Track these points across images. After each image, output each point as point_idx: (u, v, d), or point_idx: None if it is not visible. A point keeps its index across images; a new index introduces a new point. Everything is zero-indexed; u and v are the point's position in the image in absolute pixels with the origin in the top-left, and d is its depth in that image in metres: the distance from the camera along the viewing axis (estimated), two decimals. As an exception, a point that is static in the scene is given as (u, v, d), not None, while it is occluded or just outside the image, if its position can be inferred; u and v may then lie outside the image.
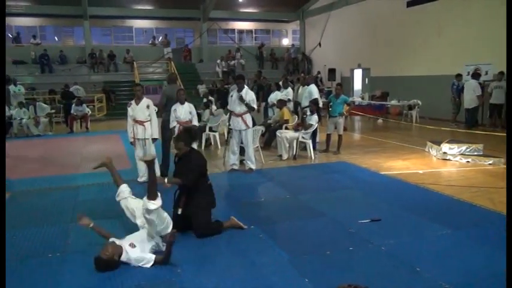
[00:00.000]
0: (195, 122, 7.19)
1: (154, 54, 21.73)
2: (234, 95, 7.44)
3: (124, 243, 3.93)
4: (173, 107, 7.08)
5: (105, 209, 5.52)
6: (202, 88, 18.84)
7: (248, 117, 7.37)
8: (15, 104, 14.18)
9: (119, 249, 3.82)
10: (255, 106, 7.50)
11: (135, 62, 20.31)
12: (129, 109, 6.86)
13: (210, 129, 10.29)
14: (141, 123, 6.73)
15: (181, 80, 15.41)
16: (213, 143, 10.36)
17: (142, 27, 23.49)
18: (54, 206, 5.73)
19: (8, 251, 4.27)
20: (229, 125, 7.78)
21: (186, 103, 7.10)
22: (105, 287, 3.52)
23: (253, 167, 7.52)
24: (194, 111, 7.19)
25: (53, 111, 14.97)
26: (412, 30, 15.67)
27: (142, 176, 6.77)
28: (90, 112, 14.77)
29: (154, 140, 6.87)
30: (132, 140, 6.84)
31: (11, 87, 15.47)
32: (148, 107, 6.78)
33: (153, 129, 6.81)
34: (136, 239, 4.05)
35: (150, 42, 22.86)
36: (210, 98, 12.84)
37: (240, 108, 7.32)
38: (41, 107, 13.81)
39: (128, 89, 19.56)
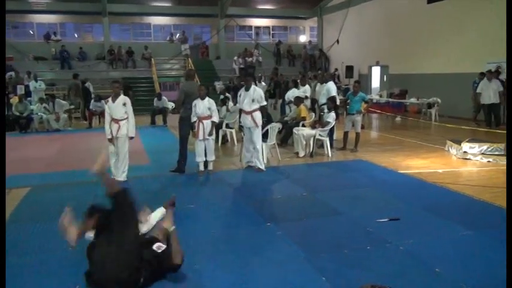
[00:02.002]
0: (215, 118, 7.15)
1: (172, 51, 21.87)
2: (242, 93, 7.34)
3: None
4: (193, 103, 7.11)
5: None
6: (219, 85, 18.89)
7: (258, 116, 7.24)
8: (36, 99, 14.43)
9: None
10: (264, 103, 7.39)
11: (153, 59, 20.46)
12: (105, 106, 6.76)
13: (227, 126, 10.30)
14: (117, 121, 6.58)
15: (198, 77, 15.45)
16: (229, 140, 10.38)
17: (160, 23, 23.63)
18: (73, 201, 5.79)
19: (29, 244, 4.36)
20: (240, 122, 7.72)
21: (206, 99, 7.09)
22: (124, 281, 3.56)
23: (262, 167, 7.35)
24: (214, 107, 7.14)
25: (72, 106, 15.18)
26: (432, 27, 15.42)
27: (117, 175, 6.66)
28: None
29: (131, 138, 6.75)
30: (109, 136, 6.65)
31: (32, 83, 15.76)
32: (124, 104, 6.63)
33: (129, 127, 6.66)
34: None
35: (167, 38, 22.98)
36: (227, 94, 12.86)
37: (249, 106, 7.21)
38: (59, 104, 14.01)
39: (146, 85, 19.75)
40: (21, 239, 4.50)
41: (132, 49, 21.09)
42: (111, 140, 6.67)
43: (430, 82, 15.32)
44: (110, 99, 6.73)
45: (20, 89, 15.89)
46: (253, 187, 6.57)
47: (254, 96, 7.18)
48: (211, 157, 7.27)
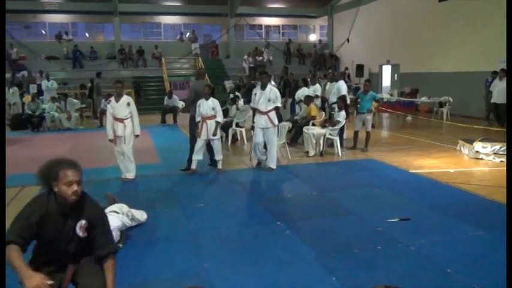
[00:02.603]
0: (219, 119, 7.11)
1: (182, 50, 21.93)
2: (257, 92, 7.17)
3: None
4: (198, 102, 7.12)
5: (136, 201, 5.63)
6: (229, 84, 18.91)
7: (274, 115, 7.13)
8: (48, 98, 14.58)
9: None
10: (279, 104, 7.26)
11: (163, 58, 20.54)
12: (108, 106, 6.72)
13: (237, 125, 10.31)
14: (121, 120, 6.61)
15: (208, 76, 15.49)
16: (239, 139, 10.38)
17: (171, 23, 23.70)
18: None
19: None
20: (253, 122, 7.56)
21: (211, 99, 7.04)
22: (135, 277, 3.58)
23: (273, 166, 7.27)
24: (218, 107, 7.07)
25: (84, 105, 15.31)
26: (444, 25, 15.26)
27: (126, 173, 6.79)
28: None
29: (136, 136, 6.79)
30: (111, 137, 6.69)
31: (44, 82, 15.92)
32: (128, 104, 6.66)
33: (134, 126, 6.72)
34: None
35: (177, 38, 23.04)
36: (237, 93, 12.86)
37: (264, 106, 7.09)
38: (70, 102, 14.14)
39: (156, 84, 19.84)
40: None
41: (143, 48, 21.20)
42: (112, 141, 6.71)
43: (441, 81, 15.17)
44: (112, 99, 6.74)
45: (33, 88, 16.07)
46: (262, 186, 6.56)
47: (270, 95, 7.03)
48: (219, 156, 7.24)
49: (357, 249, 4.04)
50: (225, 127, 10.51)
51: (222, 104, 11.56)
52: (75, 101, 14.70)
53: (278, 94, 7.21)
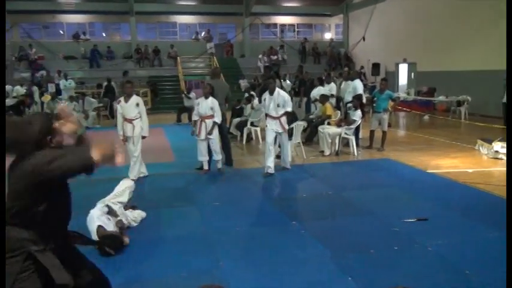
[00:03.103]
0: (217, 119, 6.96)
1: (197, 49, 22.01)
2: (266, 97, 6.94)
3: None
4: (197, 101, 7.11)
5: (151, 200, 5.69)
6: (244, 83, 18.93)
7: (285, 120, 6.95)
8: (66, 97, 14.79)
9: None
10: (290, 108, 6.93)
11: (178, 57, 20.66)
12: (118, 106, 6.71)
13: (252, 124, 10.31)
14: (130, 121, 6.59)
15: (223, 75, 15.52)
16: (254, 138, 10.38)
17: (186, 22, 23.82)
18: (101, 196, 5.91)
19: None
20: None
21: (210, 98, 6.94)
22: (150, 275, 3.61)
23: (288, 166, 7.27)
24: (217, 107, 6.94)
25: (101, 104, 15.49)
26: (462, 22, 15.00)
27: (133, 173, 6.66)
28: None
29: (143, 137, 6.74)
30: (122, 137, 6.67)
31: (62, 82, 16.16)
32: (138, 104, 6.61)
33: (143, 126, 6.68)
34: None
35: (193, 37, 23.15)
36: (252, 92, 12.86)
37: (275, 112, 6.86)
38: (88, 101, 14.32)
39: (172, 84, 19.96)
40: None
41: (158, 48, 21.35)
42: (123, 140, 6.69)
43: (459, 79, 14.92)
44: (121, 99, 6.70)
45: (51, 88, 16.33)
46: (278, 185, 6.55)
47: (278, 101, 6.81)
48: (218, 156, 7.17)
49: (373, 249, 4.01)
50: (240, 126, 10.54)
51: (237, 103, 11.66)
52: (93, 100, 14.87)
53: (287, 98, 6.94)
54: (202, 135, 6.98)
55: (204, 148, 7.07)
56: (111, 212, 4.46)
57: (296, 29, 25.51)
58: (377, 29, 20.52)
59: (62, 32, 22.39)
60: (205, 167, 7.19)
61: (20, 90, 14.80)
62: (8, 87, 15.39)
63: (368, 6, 20.94)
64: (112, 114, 15.28)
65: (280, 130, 6.92)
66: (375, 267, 3.67)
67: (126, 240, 4.19)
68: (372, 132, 9.02)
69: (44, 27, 22.22)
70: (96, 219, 4.21)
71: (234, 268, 3.69)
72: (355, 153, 8.49)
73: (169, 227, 4.76)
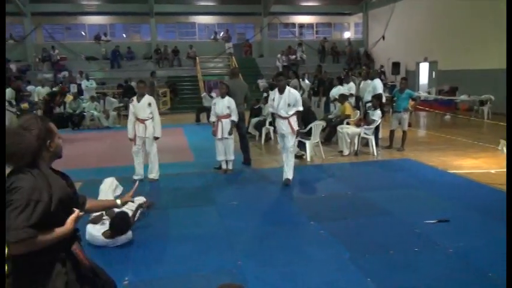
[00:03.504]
0: (234, 117, 6.97)
1: (215, 49, 22.13)
2: (275, 97, 6.38)
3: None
4: (213, 101, 7.14)
5: (170, 199, 5.74)
6: (262, 82, 18.93)
7: (295, 121, 6.34)
8: (88, 97, 15.05)
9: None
10: (301, 107, 6.35)
11: (197, 57, 20.80)
12: (130, 106, 6.68)
13: (270, 124, 10.29)
14: (142, 121, 6.54)
15: (241, 75, 15.57)
16: (272, 138, 10.38)
17: (205, 23, 23.95)
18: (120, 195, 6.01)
19: (82, 237, 4.54)
20: (275, 128, 7.06)
21: (226, 98, 6.97)
22: (170, 273, 3.65)
23: (290, 177, 6.40)
24: (233, 106, 6.94)
25: (121, 104, 15.71)
26: (484, 19, 14.70)
27: (138, 175, 6.69)
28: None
29: (156, 138, 6.67)
30: (131, 136, 6.63)
31: (84, 82, 16.45)
32: (150, 104, 6.54)
33: (155, 127, 6.61)
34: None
35: (212, 37, 23.27)
36: (270, 92, 12.84)
37: (285, 112, 6.30)
38: (109, 101, 14.54)
39: (191, 84, 20.11)
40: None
41: (178, 48, 21.54)
42: (132, 140, 6.66)
43: (482, 78, 14.63)
44: (134, 98, 6.65)
45: (73, 88, 16.63)
46: (296, 185, 6.53)
47: (290, 100, 6.25)
48: (231, 156, 7.17)
49: (393, 250, 3.97)
50: (258, 126, 10.54)
51: (256, 102, 11.67)
52: (114, 100, 15.09)
53: (298, 97, 6.39)
54: (219, 135, 7.01)
55: (222, 148, 7.09)
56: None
57: (315, 28, 25.38)
58: (397, 27, 20.27)
59: (83, 34, 22.78)
60: (224, 166, 7.22)
61: (42, 91, 15.10)
62: (30, 88, 15.74)
63: (388, 4, 20.71)
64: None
65: (287, 131, 6.32)
66: (395, 268, 3.63)
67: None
68: (391, 132, 8.92)
69: (67, 28, 22.65)
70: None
71: (253, 267, 3.70)
72: (375, 153, 8.41)
73: (188, 226, 4.81)
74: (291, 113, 6.29)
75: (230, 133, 7.00)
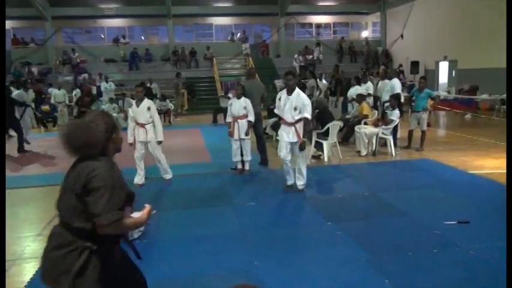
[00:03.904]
0: (251, 118, 6.96)
1: (232, 50, 22.21)
2: (282, 97, 5.79)
3: None
4: (230, 101, 7.14)
5: (187, 199, 5.78)
6: (279, 83, 18.91)
7: (301, 128, 5.72)
8: (107, 99, 15.26)
9: None
10: (308, 115, 5.69)
11: (214, 58, 20.90)
12: (129, 110, 6.57)
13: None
14: (142, 125, 6.44)
15: (258, 75, 15.59)
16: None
17: (222, 24, 24.08)
18: (142, 196, 6.07)
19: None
20: (277, 135, 6.68)
21: (242, 98, 6.96)
22: (186, 272, 3.67)
23: (302, 185, 5.96)
24: (250, 107, 6.92)
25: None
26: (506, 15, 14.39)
27: (142, 178, 6.62)
28: (172, 107, 15.47)
29: (159, 142, 6.57)
30: (131, 141, 6.52)
31: (103, 84, 16.69)
32: (149, 108, 6.45)
33: (156, 131, 6.50)
34: None
35: (228, 38, 23.38)
36: (279, 92, 12.80)
37: (291, 115, 5.68)
38: (128, 102, 14.71)
39: (208, 85, 20.22)
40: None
41: (195, 49, 21.69)
42: (131, 144, 6.54)
43: (504, 77, 14.25)
44: (133, 102, 6.60)
45: (93, 90, 16.88)
46: (313, 185, 6.50)
47: (297, 103, 5.63)
48: (248, 157, 7.17)
49: (411, 251, 3.92)
50: (275, 126, 10.53)
51: (272, 103, 11.65)
52: (132, 101, 15.24)
53: (307, 102, 5.68)
54: (236, 136, 7.02)
55: (237, 149, 7.10)
56: None
57: (332, 28, 25.25)
58: (416, 26, 20.01)
59: (102, 36, 23.16)
60: (239, 166, 7.24)
61: (58, 93, 15.35)
62: (49, 90, 16.04)
63: (406, 3, 20.46)
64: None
65: (294, 139, 5.74)
66: (413, 270, 3.58)
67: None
68: (410, 132, 8.81)
69: (86, 32, 23.05)
70: None
71: (269, 268, 3.70)
72: (393, 154, 8.32)
73: (205, 226, 4.83)
74: (297, 118, 5.67)
75: (247, 134, 7.00)
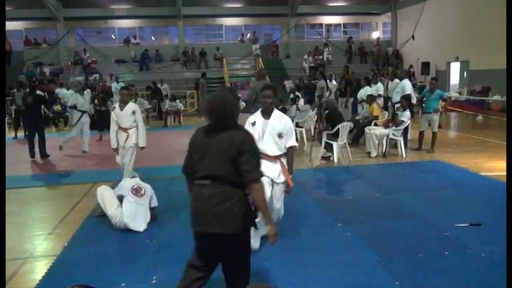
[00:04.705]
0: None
1: (242, 51, 22.26)
2: (257, 122, 4.12)
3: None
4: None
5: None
6: (289, 84, 18.90)
7: (290, 160, 4.20)
8: (117, 99, 15.35)
9: None
10: (295, 142, 4.17)
11: (224, 59, 20.96)
12: (112, 113, 6.15)
13: (297, 125, 10.27)
14: (125, 130, 6.11)
15: (268, 76, 15.58)
16: (299, 139, 10.34)
17: (232, 24, 24.14)
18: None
19: (114, 235, 4.66)
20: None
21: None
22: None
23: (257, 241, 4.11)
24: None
25: (150, 106, 15.98)
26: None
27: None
28: (182, 108, 15.53)
29: (142, 148, 6.29)
30: (114, 146, 6.18)
31: (114, 84, 16.82)
32: (134, 113, 6.13)
33: (139, 136, 6.16)
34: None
35: (238, 39, 23.42)
36: (297, 93, 12.83)
37: (276, 146, 4.06)
38: (140, 102, 14.79)
39: (218, 85, 20.24)
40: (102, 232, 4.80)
41: (205, 50, 21.77)
42: (116, 150, 6.26)
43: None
44: (117, 105, 6.19)
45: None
46: (323, 187, 6.50)
47: (280, 128, 4.05)
48: None
49: (422, 253, 3.89)
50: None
51: (280, 103, 11.65)
52: (145, 101, 15.36)
53: (291, 125, 4.18)
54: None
55: None
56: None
57: (342, 29, 25.17)
58: (427, 26, 19.87)
59: (113, 37, 23.35)
60: None
61: (67, 93, 15.46)
62: (57, 90, 16.20)
63: (418, 3, 20.34)
64: (160, 116, 15.76)
65: (277, 178, 4.11)
66: (424, 272, 3.56)
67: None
68: (421, 133, 8.75)
69: (97, 32, 23.26)
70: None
71: (279, 269, 3.70)
72: (404, 155, 8.27)
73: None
74: (283, 147, 4.10)
75: None
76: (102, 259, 4.05)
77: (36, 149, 9.00)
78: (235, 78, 20.22)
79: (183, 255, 4.02)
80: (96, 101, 13.93)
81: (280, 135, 4.03)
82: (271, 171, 4.06)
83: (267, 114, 4.10)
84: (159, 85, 17.10)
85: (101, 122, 11.92)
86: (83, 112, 9.98)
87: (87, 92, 16.17)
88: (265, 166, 3.73)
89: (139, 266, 3.87)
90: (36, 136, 9.00)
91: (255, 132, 3.95)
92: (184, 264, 3.84)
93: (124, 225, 4.57)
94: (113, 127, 6.14)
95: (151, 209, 4.88)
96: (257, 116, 4.17)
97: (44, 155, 9.04)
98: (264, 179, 3.45)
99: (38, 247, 4.41)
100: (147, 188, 4.92)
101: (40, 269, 3.89)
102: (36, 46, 21.42)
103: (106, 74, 18.81)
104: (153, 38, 24.09)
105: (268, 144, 4.02)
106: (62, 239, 4.54)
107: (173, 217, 5.08)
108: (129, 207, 4.63)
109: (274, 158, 4.08)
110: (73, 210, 5.55)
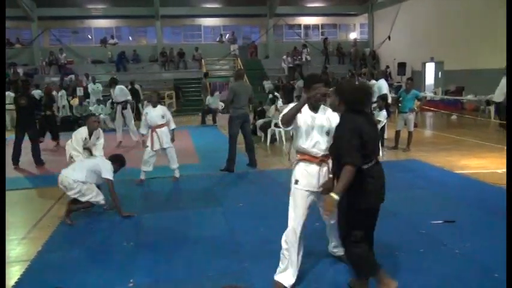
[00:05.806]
0: (173, 125, 6.80)
1: (221, 52, 22.20)
2: (305, 114, 3.39)
3: None
4: (144, 111, 6.85)
5: (176, 200, 5.75)
6: (268, 84, 18.97)
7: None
8: (94, 100, 15.14)
9: None
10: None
11: (203, 60, 20.87)
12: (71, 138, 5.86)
13: (276, 125, 10.30)
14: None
15: (247, 77, 15.58)
16: (278, 139, 10.38)
17: (210, 25, 24.05)
18: (128, 198, 6.02)
19: (89, 238, 4.59)
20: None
21: (159, 106, 6.72)
22: (179, 276, 3.66)
23: None
24: (168, 115, 6.73)
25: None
26: (490, 19, 14.60)
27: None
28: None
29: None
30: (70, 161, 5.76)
31: (90, 85, 16.56)
32: (98, 138, 5.93)
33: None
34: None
35: (217, 39, 23.36)
36: (276, 93, 12.87)
37: (325, 145, 3.40)
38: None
39: (196, 86, 20.18)
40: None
41: (183, 51, 21.63)
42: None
43: (489, 78, 14.50)
44: (84, 129, 5.88)
45: (79, 91, 16.75)
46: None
47: (328, 124, 3.41)
48: (175, 165, 6.93)
49: (398, 251, 3.95)
50: (263, 127, 10.56)
51: (261, 104, 11.69)
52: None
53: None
54: (156, 146, 6.71)
55: (152, 157, 6.76)
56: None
57: (320, 30, 25.37)
58: (403, 27, 20.21)
59: (90, 37, 22.96)
60: (143, 177, 6.82)
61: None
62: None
63: (393, 5, 20.66)
64: (138, 117, 15.58)
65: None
66: (401, 269, 3.61)
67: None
68: (397, 132, 8.89)
69: (73, 32, 22.84)
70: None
71: (259, 270, 3.70)
72: (380, 154, 8.36)
73: (194, 227, 4.81)
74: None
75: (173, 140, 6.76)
76: (78, 263, 3.98)
77: (29, 156, 8.54)
78: (214, 79, 20.15)
79: (161, 258, 4.01)
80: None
81: (327, 133, 3.40)
82: (314, 178, 3.54)
83: (315, 107, 3.44)
84: (136, 86, 16.88)
85: (48, 127, 10.98)
86: None
87: (62, 93, 15.96)
88: (306, 169, 3.51)
89: (116, 269, 3.82)
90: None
91: (298, 124, 3.37)
92: (153, 268, 3.79)
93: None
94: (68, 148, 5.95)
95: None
96: (303, 107, 3.36)
97: (38, 161, 8.55)
98: (299, 197, 3.73)
99: (11, 252, 4.30)
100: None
101: (13, 274, 3.79)
102: (10, 46, 20.91)
103: (82, 74, 18.50)
104: (130, 38, 23.80)
105: (315, 142, 3.41)
106: (36, 243, 4.45)
107: (150, 219, 5.03)
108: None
109: (321, 161, 3.48)
110: (47, 214, 5.44)
